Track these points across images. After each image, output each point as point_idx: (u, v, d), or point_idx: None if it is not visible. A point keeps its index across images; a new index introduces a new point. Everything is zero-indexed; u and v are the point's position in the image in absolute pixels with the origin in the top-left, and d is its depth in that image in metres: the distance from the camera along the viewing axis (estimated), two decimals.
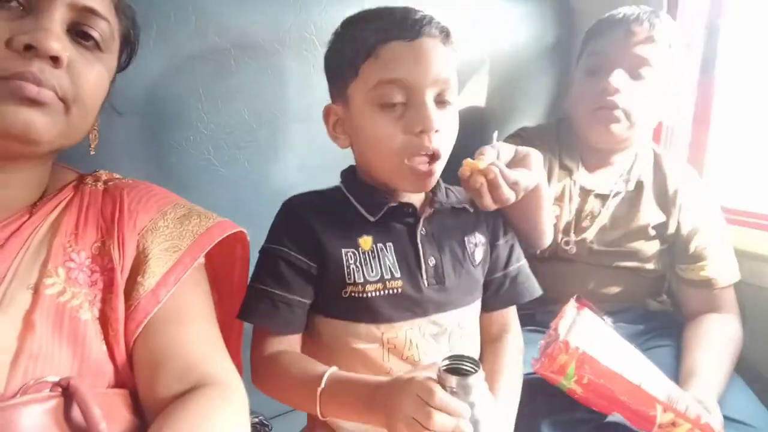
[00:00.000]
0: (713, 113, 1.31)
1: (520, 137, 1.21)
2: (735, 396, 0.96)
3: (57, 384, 0.53)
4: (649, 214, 1.15)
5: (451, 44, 0.77)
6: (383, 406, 0.63)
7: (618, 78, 1.06)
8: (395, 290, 0.78)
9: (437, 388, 0.60)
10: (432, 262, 0.81)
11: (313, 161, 1.07)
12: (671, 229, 1.14)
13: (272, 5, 0.97)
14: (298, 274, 0.77)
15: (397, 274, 0.78)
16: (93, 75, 0.61)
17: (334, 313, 0.80)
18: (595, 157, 1.17)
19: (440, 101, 0.75)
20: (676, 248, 1.16)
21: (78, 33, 0.60)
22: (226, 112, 0.97)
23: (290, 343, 0.79)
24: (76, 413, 0.53)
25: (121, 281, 0.63)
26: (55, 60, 0.56)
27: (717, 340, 1.06)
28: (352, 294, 0.77)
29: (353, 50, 0.75)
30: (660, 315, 1.19)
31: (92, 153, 0.70)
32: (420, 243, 0.81)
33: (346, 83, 0.77)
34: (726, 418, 0.87)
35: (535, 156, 0.86)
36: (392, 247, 0.80)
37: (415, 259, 0.80)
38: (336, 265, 0.77)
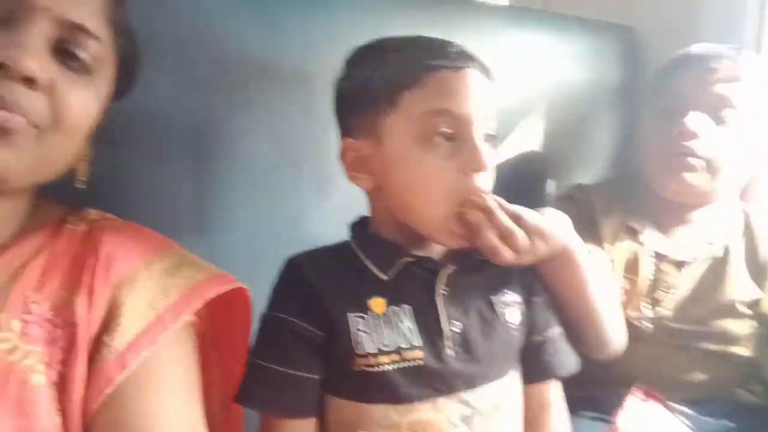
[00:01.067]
0: None
1: (572, 199, 1.07)
2: None
3: None
4: (739, 287, 0.98)
5: (492, 81, 0.70)
6: None
7: (695, 120, 0.92)
8: (415, 362, 0.65)
9: None
10: (457, 327, 0.69)
11: (336, 203, 0.96)
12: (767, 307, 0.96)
13: (301, 35, 0.89)
14: (302, 346, 0.66)
15: (417, 342, 0.66)
16: (78, 100, 0.53)
17: (343, 393, 0.67)
18: (670, 215, 1.01)
19: (487, 138, 0.68)
20: None
21: (64, 52, 0.52)
22: (245, 147, 0.88)
23: (303, 429, 0.67)
24: None
25: (82, 340, 0.52)
26: (29, 81, 0.48)
27: None
28: (364, 368, 0.64)
29: (390, 78, 0.67)
30: (753, 410, 0.99)
31: (79, 186, 0.60)
32: (441, 304, 0.69)
33: (377, 114, 0.68)
34: None
35: (558, 215, 0.77)
36: (410, 310, 0.68)
37: (437, 323, 0.68)
38: (342, 333, 0.66)
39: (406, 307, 0.68)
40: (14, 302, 0.51)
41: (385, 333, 0.66)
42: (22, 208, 0.57)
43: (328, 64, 0.89)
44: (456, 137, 0.66)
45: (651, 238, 1.01)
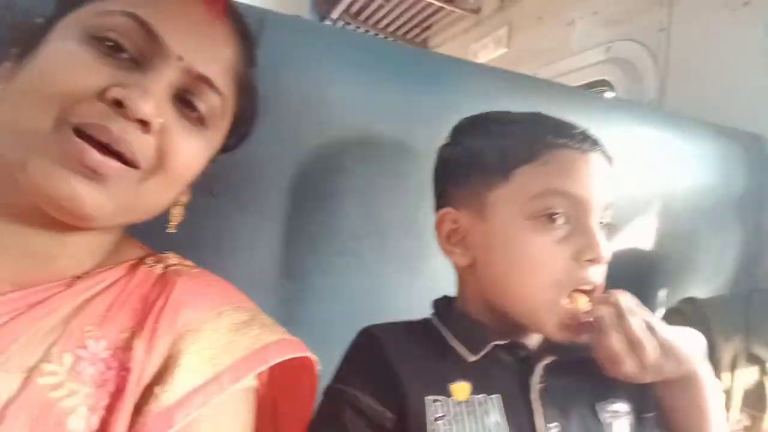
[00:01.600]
0: None
1: (683, 314, 0.94)
2: None
3: None
4: None
5: (613, 169, 0.66)
6: None
7: None
8: None
9: None
10: (555, 429, 0.59)
11: (419, 282, 0.89)
12: None
13: (405, 107, 0.88)
14: (366, 427, 0.58)
15: None
16: (187, 149, 0.52)
17: None
18: None
19: (603, 227, 0.63)
20: None
21: (184, 101, 0.52)
22: (330, 211, 0.85)
23: None
24: None
25: (133, 386, 0.47)
26: (143, 123, 0.47)
27: None
28: None
29: (507, 150, 0.63)
30: None
31: (170, 231, 0.60)
32: (537, 400, 0.60)
33: (487, 187, 0.63)
34: None
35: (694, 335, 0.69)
36: (498, 402, 0.59)
37: (530, 422, 0.59)
38: (417, 417, 0.57)
39: (495, 398, 0.60)
40: (71, 334, 0.48)
41: (467, 425, 0.57)
42: (105, 244, 0.55)
43: (428, 138, 0.87)
44: (572, 221, 0.61)
45: None
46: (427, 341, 0.65)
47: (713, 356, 0.87)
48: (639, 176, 1.08)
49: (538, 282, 0.60)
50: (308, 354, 0.56)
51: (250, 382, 0.54)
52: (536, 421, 0.59)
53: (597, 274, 0.61)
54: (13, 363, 0.44)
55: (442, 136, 0.77)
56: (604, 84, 1.77)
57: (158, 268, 0.57)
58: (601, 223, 0.63)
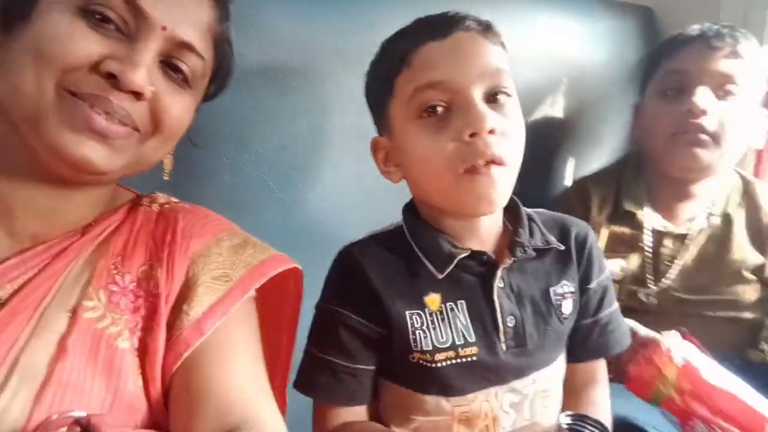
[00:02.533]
0: None
1: (569, 195, 1.13)
2: None
3: (76, 421, 0.48)
4: (742, 253, 1.03)
5: (494, 36, 0.68)
6: None
7: (703, 97, 0.96)
8: (469, 358, 0.68)
9: None
10: (511, 321, 0.70)
11: (370, 183, 1.00)
12: None
13: (336, 25, 0.93)
14: (361, 341, 0.69)
15: (471, 339, 0.68)
16: (177, 109, 0.59)
17: (398, 380, 0.71)
18: (671, 191, 1.07)
19: (492, 98, 0.65)
20: None
21: (170, 65, 0.58)
22: (284, 131, 0.93)
23: (357, 414, 0.71)
24: None
25: (165, 309, 0.59)
26: (137, 95, 0.54)
27: None
28: (420, 361, 0.68)
29: (386, 66, 0.69)
30: (760, 369, 1.03)
31: (165, 178, 0.68)
32: (497, 299, 0.69)
33: (385, 106, 0.70)
34: None
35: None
36: (464, 306, 0.69)
37: (492, 319, 0.69)
38: (401, 330, 0.68)
39: (461, 302, 0.69)
40: (100, 274, 0.57)
41: (441, 330, 0.67)
42: (105, 194, 0.64)
43: (361, 53, 0.94)
44: (452, 106, 0.64)
45: (649, 217, 1.06)
46: (401, 257, 0.71)
47: (594, 220, 1.07)
48: (543, 58, 1.18)
49: (435, 170, 0.65)
50: (295, 265, 0.68)
51: (251, 293, 0.65)
52: (497, 319, 0.69)
53: (489, 145, 0.63)
54: (56, 305, 0.54)
55: (374, 49, 0.85)
56: None
57: (154, 207, 0.66)
58: (497, 92, 0.65)
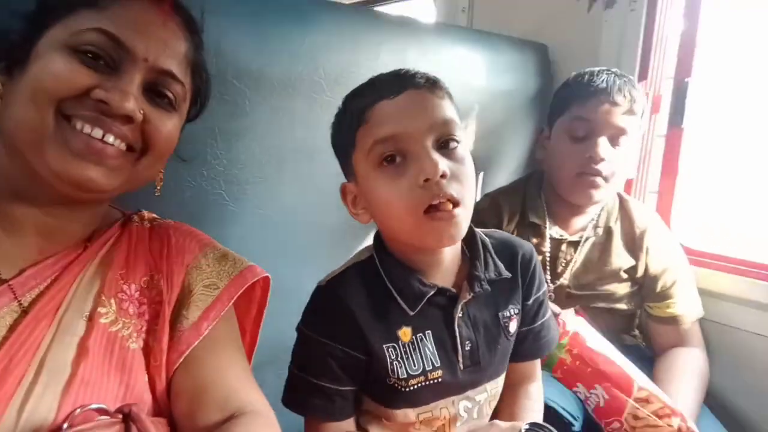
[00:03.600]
0: (680, 164, 1.43)
1: (481, 207, 1.30)
2: (704, 426, 1.04)
3: (119, 410, 0.56)
4: (619, 258, 1.24)
5: (441, 90, 0.76)
6: None
7: (603, 146, 1.15)
8: (435, 380, 0.78)
9: None
10: (468, 346, 0.79)
11: (315, 197, 1.12)
12: (640, 272, 1.24)
13: (285, 53, 1.02)
14: (348, 368, 0.77)
15: (437, 364, 0.77)
16: (166, 129, 0.65)
17: (373, 396, 0.81)
18: (565, 209, 1.26)
19: (443, 145, 0.72)
20: (645, 288, 1.26)
21: (154, 92, 0.64)
22: (238, 149, 1.00)
23: (348, 425, 0.80)
24: None
25: (168, 313, 0.67)
26: (126, 118, 0.60)
27: (686, 372, 1.15)
28: (395, 385, 0.77)
29: (348, 121, 0.76)
30: (633, 349, 1.28)
31: (157, 194, 0.75)
32: (457, 328, 0.79)
33: (349, 156, 0.77)
34: None
35: None
36: (430, 335, 0.78)
37: (452, 344, 0.79)
38: (379, 360, 0.76)
39: (428, 332, 0.78)
40: (109, 284, 0.65)
41: (413, 359, 0.77)
42: (101, 211, 0.70)
43: (309, 79, 1.05)
44: (407, 155, 0.71)
45: (551, 229, 1.26)
46: (376, 292, 0.78)
47: (503, 229, 1.25)
48: (458, 86, 1.33)
49: (397, 212, 0.72)
50: (266, 275, 0.77)
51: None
52: (457, 345, 0.78)
53: (443, 188, 0.69)
54: (72, 311, 0.61)
55: (318, 75, 0.96)
56: None
57: (145, 224, 0.74)
58: (446, 140, 0.72)
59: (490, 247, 0.84)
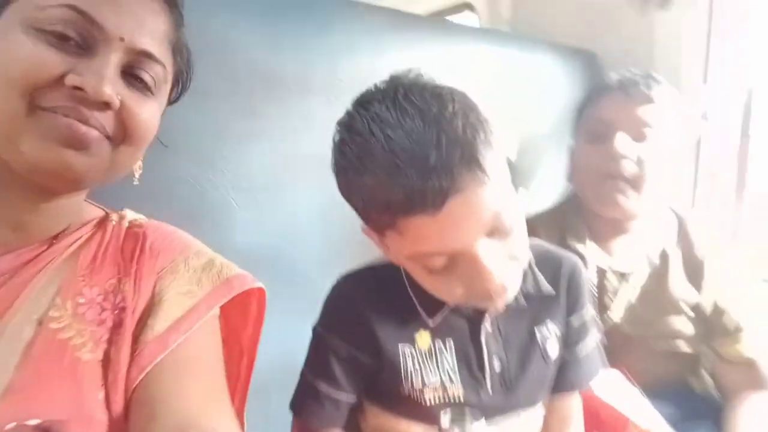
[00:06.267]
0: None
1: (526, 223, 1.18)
2: None
3: (37, 427, 0.47)
4: (679, 290, 1.08)
5: (482, 171, 0.57)
6: None
7: (623, 142, 1.02)
8: (456, 399, 0.70)
9: None
10: (497, 366, 0.71)
11: (333, 209, 1.03)
12: (705, 303, 1.07)
13: (303, 50, 0.96)
14: (349, 371, 0.71)
15: (458, 379, 0.70)
16: (145, 115, 0.59)
17: (385, 406, 0.73)
18: (608, 228, 1.11)
19: (492, 235, 0.60)
20: (711, 323, 1.08)
21: (132, 75, 0.58)
22: (250, 153, 0.94)
23: None
24: None
25: (130, 322, 0.59)
26: (105, 105, 0.54)
27: (761, 423, 0.98)
28: (410, 395, 0.69)
29: (371, 209, 0.62)
30: (700, 397, 1.11)
31: (135, 183, 0.67)
32: (485, 343, 0.71)
33: (380, 229, 0.64)
34: None
35: None
36: (452, 346, 0.71)
37: (477, 361, 0.71)
38: (392, 363, 0.69)
39: (449, 342, 0.70)
40: (67, 285, 0.57)
41: (430, 368, 0.69)
42: (75, 206, 0.63)
43: (328, 80, 0.98)
44: (451, 261, 0.61)
45: (592, 252, 1.10)
46: (396, 294, 0.71)
47: None
48: (499, 97, 1.25)
49: (442, 296, 0.67)
50: (259, 284, 0.68)
51: (216, 310, 0.65)
52: (484, 361, 0.70)
53: (505, 280, 0.62)
54: (22, 314, 0.54)
55: (338, 76, 0.88)
56: (467, 6, 1.92)
57: (124, 223, 0.66)
58: (495, 230, 0.60)
59: (530, 259, 0.74)
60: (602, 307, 1.08)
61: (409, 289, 0.71)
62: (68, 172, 0.54)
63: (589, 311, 0.79)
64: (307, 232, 1.02)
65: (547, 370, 0.75)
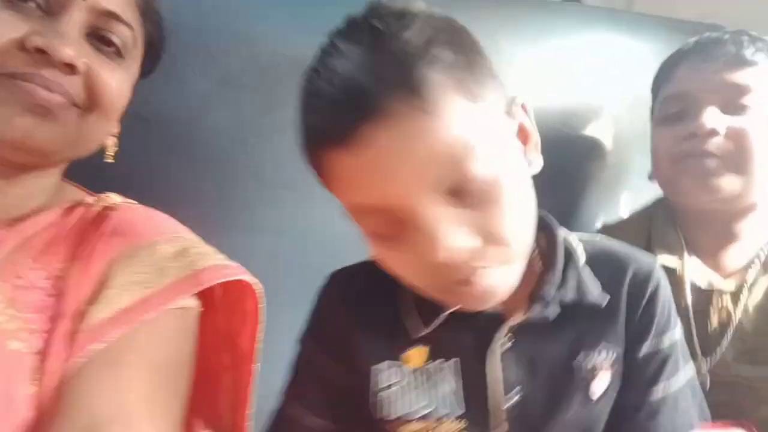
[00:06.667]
0: None
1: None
2: None
3: None
4: None
5: (429, 104, 0.42)
6: None
7: (712, 116, 0.78)
8: None
9: None
10: (516, 395, 0.53)
11: None
12: None
13: (321, 38, 0.88)
14: (323, 387, 0.58)
15: (460, 411, 0.53)
16: (113, 82, 0.57)
17: None
18: (709, 234, 0.85)
19: (456, 198, 0.44)
20: None
21: (98, 38, 0.56)
22: (274, 147, 0.87)
23: None
24: None
25: (68, 308, 0.53)
26: (69, 67, 0.52)
27: None
28: (383, 428, 0.55)
29: (301, 147, 0.53)
30: None
31: (108, 161, 0.65)
32: (501, 364, 0.53)
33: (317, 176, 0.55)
34: None
35: None
36: (456, 367, 0.54)
37: (485, 388, 0.53)
38: (364, 386, 0.55)
39: (453, 361, 0.54)
40: (7, 267, 0.53)
41: (419, 394, 0.53)
42: (48, 186, 0.60)
43: None
44: (398, 225, 0.46)
45: (691, 270, 0.84)
46: (388, 297, 0.58)
47: None
48: (609, 83, 1.07)
49: (413, 281, 0.50)
50: (245, 277, 0.59)
51: (188, 303, 0.58)
52: (498, 387, 0.53)
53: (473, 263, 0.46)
54: None
55: None
56: None
57: (97, 207, 0.62)
58: (459, 196, 0.45)
59: (578, 256, 0.57)
60: (707, 343, 0.82)
61: (399, 287, 0.54)
62: (30, 141, 0.51)
63: (673, 337, 0.57)
64: (336, 233, 0.92)
65: (588, 414, 0.54)
